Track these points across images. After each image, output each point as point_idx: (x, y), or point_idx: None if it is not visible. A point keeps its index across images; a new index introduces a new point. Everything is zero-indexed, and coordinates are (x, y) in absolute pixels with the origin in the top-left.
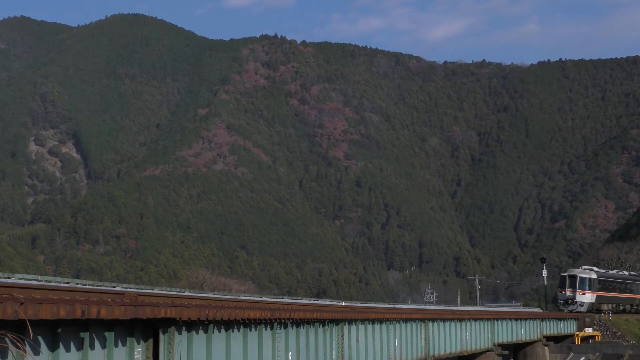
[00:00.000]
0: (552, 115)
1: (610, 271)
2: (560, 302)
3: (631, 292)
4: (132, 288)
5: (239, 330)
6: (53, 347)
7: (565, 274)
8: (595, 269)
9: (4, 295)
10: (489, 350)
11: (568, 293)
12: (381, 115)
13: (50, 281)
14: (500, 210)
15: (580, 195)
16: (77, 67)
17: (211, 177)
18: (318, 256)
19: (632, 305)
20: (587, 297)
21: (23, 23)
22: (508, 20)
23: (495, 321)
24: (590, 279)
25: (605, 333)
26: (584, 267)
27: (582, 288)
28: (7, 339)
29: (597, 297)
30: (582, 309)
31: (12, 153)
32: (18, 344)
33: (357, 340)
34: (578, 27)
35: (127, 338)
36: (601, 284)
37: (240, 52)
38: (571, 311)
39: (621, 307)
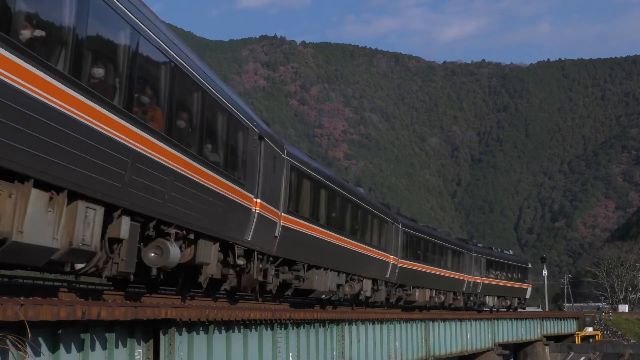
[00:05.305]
0: (552, 115)
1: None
2: None
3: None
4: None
5: (239, 331)
6: (54, 349)
7: None
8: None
9: (4, 297)
10: (489, 350)
11: None
12: (381, 115)
13: (51, 282)
14: (500, 210)
15: (580, 195)
16: None
17: None
18: None
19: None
20: None
21: None
22: (522, 20)
23: (496, 321)
24: None
25: (605, 332)
26: None
27: None
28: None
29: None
30: None
31: None
32: (19, 345)
33: (358, 341)
34: (590, 27)
35: (128, 339)
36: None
37: (239, 53)
38: None
39: (362, 292)
